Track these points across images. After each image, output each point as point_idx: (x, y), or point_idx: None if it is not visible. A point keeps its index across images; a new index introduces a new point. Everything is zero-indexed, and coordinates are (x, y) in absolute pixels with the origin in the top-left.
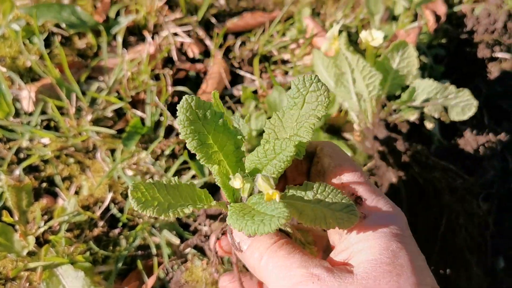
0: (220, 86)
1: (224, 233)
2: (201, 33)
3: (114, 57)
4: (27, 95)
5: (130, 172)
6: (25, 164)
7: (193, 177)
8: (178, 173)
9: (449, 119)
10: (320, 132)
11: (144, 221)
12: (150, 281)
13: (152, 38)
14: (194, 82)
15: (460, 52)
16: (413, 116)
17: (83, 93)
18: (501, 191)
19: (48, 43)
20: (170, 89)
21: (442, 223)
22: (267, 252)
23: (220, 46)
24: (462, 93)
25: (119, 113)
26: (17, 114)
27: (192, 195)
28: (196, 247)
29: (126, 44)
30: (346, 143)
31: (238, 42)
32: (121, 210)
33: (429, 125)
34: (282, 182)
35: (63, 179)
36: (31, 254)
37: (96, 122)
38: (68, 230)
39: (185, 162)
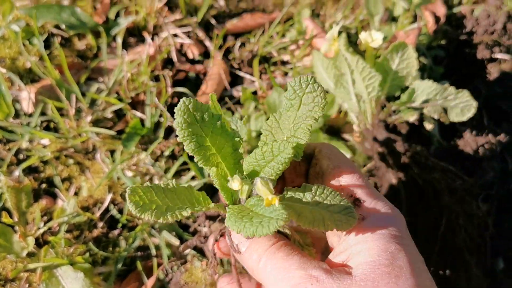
0: (219, 87)
1: (222, 235)
2: (201, 34)
3: (114, 58)
4: (26, 96)
5: (129, 173)
6: (24, 165)
7: (193, 178)
8: (178, 174)
9: (449, 120)
10: (320, 133)
11: (144, 222)
12: (149, 282)
13: (152, 39)
14: (194, 83)
15: (459, 53)
16: (412, 117)
17: (83, 94)
18: (501, 192)
19: (48, 44)
20: (170, 90)
21: (442, 224)
22: (265, 254)
23: (220, 47)
24: (462, 94)
25: (119, 114)
26: (16, 115)
27: (190, 198)
28: (195, 248)
29: (125, 45)
30: (345, 144)
31: (238, 43)
32: (120, 211)
33: (428, 126)
34: (280, 183)
35: (63, 180)
36: (30, 255)
37: (95, 123)
38: (67, 231)
39: (184, 163)
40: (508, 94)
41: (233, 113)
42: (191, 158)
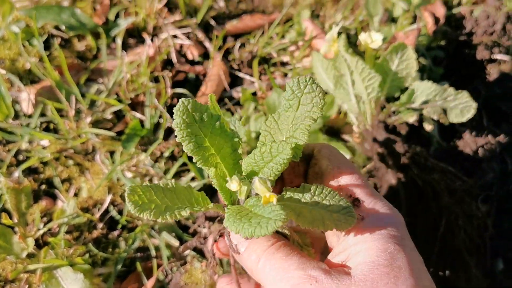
0: (219, 88)
1: (221, 235)
2: (201, 35)
3: (113, 59)
4: (26, 97)
5: (129, 174)
6: (24, 166)
7: (193, 179)
8: (178, 175)
9: (448, 121)
10: (320, 134)
11: (143, 223)
12: (149, 283)
13: (152, 40)
14: (194, 84)
15: (459, 54)
16: (412, 118)
17: (83, 95)
18: (500, 193)
19: (47, 45)
20: (170, 91)
21: (441, 224)
22: (264, 254)
23: (220, 48)
24: (461, 95)
25: (119, 115)
26: (16, 116)
27: (189, 198)
28: (195, 249)
29: (125, 46)
30: (345, 144)
31: (238, 44)
32: (120, 212)
33: (428, 127)
34: (279, 184)
35: (63, 181)
36: (30, 256)
37: (95, 124)
38: (67, 232)
39: (184, 164)
40: (508, 95)
41: (232, 114)
42: (190, 159)
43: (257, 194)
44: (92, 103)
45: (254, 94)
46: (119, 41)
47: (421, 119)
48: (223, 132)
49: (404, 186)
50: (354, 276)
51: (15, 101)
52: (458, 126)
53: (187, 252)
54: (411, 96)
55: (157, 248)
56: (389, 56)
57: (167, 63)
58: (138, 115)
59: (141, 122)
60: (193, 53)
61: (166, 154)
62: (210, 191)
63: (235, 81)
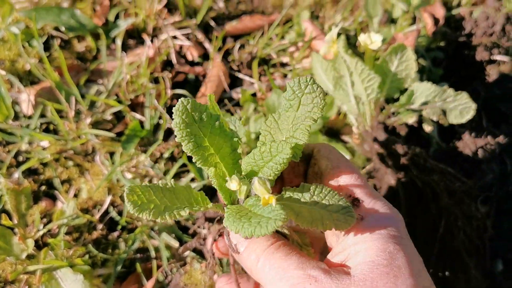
0: (219, 89)
1: (221, 235)
2: (200, 36)
3: (113, 60)
4: (26, 98)
5: (129, 175)
6: (24, 167)
7: (192, 180)
8: (177, 176)
9: (448, 122)
10: (319, 135)
11: (143, 224)
12: (149, 284)
13: (151, 41)
14: (193, 85)
15: (458, 55)
16: (411, 119)
17: (82, 96)
18: (500, 194)
19: (47, 46)
20: (169, 92)
21: (441, 225)
22: (264, 254)
23: (219, 49)
24: (461, 96)
25: (118, 116)
26: (16, 117)
27: (189, 198)
28: (195, 250)
29: (125, 47)
30: (344, 145)
31: (237, 45)
32: (120, 213)
33: (427, 128)
34: (279, 184)
35: (62, 182)
36: (30, 257)
37: (95, 125)
38: (67, 233)
39: (184, 165)
40: (507, 96)
41: (232, 115)
42: (190, 160)
43: (256, 194)
44: (92, 104)
45: (254, 95)
46: (119, 42)
47: (420, 120)
48: (222, 131)
49: (404, 187)
50: (354, 276)
51: (15, 102)
52: (457, 127)
53: (187, 253)
54: (410, 97)
55: (156, 249)
56: (389, 57)
57: (167, 64)
58: (138, 116)
59: (141, 123)
60: (192, 54)
61: (166, 155)
62: (209, 192)
63: (234, 82)
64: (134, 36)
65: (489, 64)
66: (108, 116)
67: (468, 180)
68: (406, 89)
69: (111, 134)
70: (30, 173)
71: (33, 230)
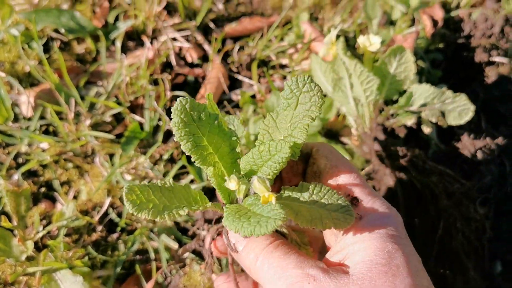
0: (218, 91)
1: (219, 234)
2: (200, 38)
3: (113, 62)
4: (26, 100)
5: (128, 177)
6: (24, 169)
7: (192, 181)
8: (177, 177)
9: (447, 123)
10: (318, 136)
11: (143, 226)
12: (148, 286)
13: (151, 43)
14: (193, 87)
15: (457, 57)
16: (410, 121)
17: (82, 98)
18: (499, 196)
19: (47, 48)
20: (169, 94)
21: (440, 227)
22: (262, 253)
23: (219, 51)
24: (459, 98)
25: (118, 118)
26: (16, 119)
27: (187, 197)
28: (194, 252)
29: (124, 49)
30: (344, 147)
31: (237, 47)
32: (119, 215)
33: (426, 129)
34: (278, 183)
35: (62, 184)
36: (29, 259)
37: (94, 127)
38: (66, 235)
39: (183, 167)
40: (506, 98)
41: None
42: (190, 161)
43: (255, 193)
44: (92, 106)
45: (253, 96)
46: (118, 44)
47: (419, 122)
48: (221, 131)
49: (403, 188)
50: (352, 275)
51: (15, 104)
52: (456, 129)
53: (186, 254)
54: (409, 99)
55: (156, 251)
56: (388, 59)
57: (167, 66)
58: (137, 117)
59: (141, 125)
60: (192, 56)
61: (165, 156)
62: (209, 194)
63: (234, 84)
64: (134, 38)
65: (488, 66)
66: (108, 118)
67: (467, 182)
68: (405, 91)
69: (111, 136)
70: (30, 175)
71: (32, 231)
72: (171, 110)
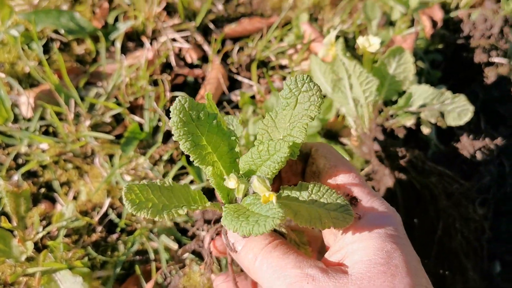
0: (218, 91)
1: (218, 233)
2: (199, 38)
3: (112, 62)
4: (25, 101)
5: (128, 178)
6: (23, 169)
7: (191, 182)
8: (176, 178)
9: (446, 124)
10: (318, 137)
11: (142, 226)
12: (148, 286)
13: (151, 43)
14: (192, 88)
15: (457, 57)
16: (409, 122)
17: (82, 99)
18: (498, 196)
19: (46, 49)
20: (168, 94)
21: (439, 227)
22: (261, 253)
23: (218, 52)
24: (458, 99)
25: (118, 119)
26: (15, 120)
27: (187, 196)
28: (194, 252)
29: (124, 50)
30: (343, 148)
31: (236, 48)
32: (119, 215)
33: (425, 130)
34: (277, 182)
35: (62, 185)
36: (29, 259)
37: (94, 127)
38: (66, 236)
39: (183, 167)
40: (505, 98)
41: None
42: (189, 162)
43: (254, 193)
44: (91, 107)
45: (253, 97)
46: (118, 44)
47: (418, 123)
48: (220, 130)
49: (402, 188)
50: (351, 275)
51: (15, 104)
52: (456, 129)
53: (186, 255)
54: (408, 100)
55: (156, 251)
56: (387, 60)
57: (166, 67)
58: (137, 118)
59: (140, 126)
60: (192, 57)
61: (165, 157)
62: (209, 194)
63: (233, 85)
64: (134, 39)
65: (487, 66)
66: (108, 118)
67: (466, 182)
68: (404, 92)
69: (110, 137)
70: (30, 175)
71: (32, 232)
72: (170, 110)
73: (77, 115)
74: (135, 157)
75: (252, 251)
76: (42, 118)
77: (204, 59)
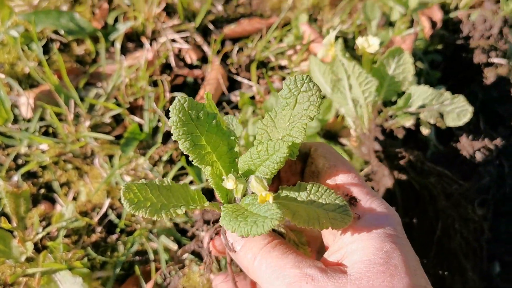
0: (217, 92)
1: (217, 233)
2: (199, 39)
3: (112, 63)
4: (25, 101)
5: (128, 178)
6: (23, 170)
7: (191, 183)
8: (176, 178)
9: (445, 124)
10: (317, 137)
11: (142, 227)
12: (147, 287)
13: (150, 44)
14: (192, 88)
15: (456, 58)
16: (409, 122)
17: (81, 100)
18: (497, 196)
19: (46, 49)
20: (168, 95)
21: (438, 228)
22: (260, 253)
23: (218, 52)
24: (457, 99)
25: (117, 119)
26: (15, 121)
27: (185, 196)
28: (193, 253)
29: (124, 51)
30: (342, 148)
31: (236, 48)
32: (119, 216)
33: (425, 130)
34: (276, 182)
35: (61, 185)
36: (29, 260)
37: (94, 128)
38: (66, 236)
39: (183, 168)
40: (505, 99)
41: None
42: (189, 162)
43: (253, 193)
44: (91, 107)
45: (252, 98)
46: (118, 45)
47: (418, 123)
48: (219, 130)
49: (401, 189)
50: (350, 275)
51: (14, 105)
52: (455, 130)
53: (185, 255)
54: (408, 100)
55: (155, 252)
56: (386, 61)
57: (166, 67)
58: (136, 119)
59: (140, 126)
60: (191, 57)
61: (165, 158)
62: (208, 195)
63: (233, 85)
64: (133, 39)
65: (487, 67)
66: (107, 119)
67: (465, 183)
68: (403, 92)
69: (110, 137)
70: (29, 176)
71: (32, 233)
72: (170, 110)
73: (76, 116)
74: (134, 158)
75: (251, 251)
76: (41, 118)
77: (204, 59)
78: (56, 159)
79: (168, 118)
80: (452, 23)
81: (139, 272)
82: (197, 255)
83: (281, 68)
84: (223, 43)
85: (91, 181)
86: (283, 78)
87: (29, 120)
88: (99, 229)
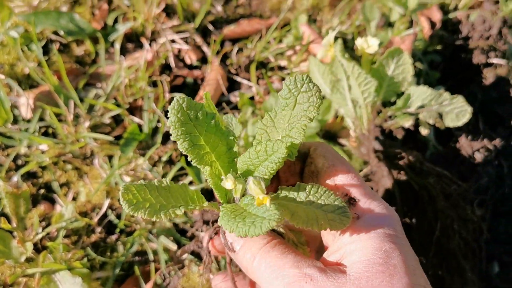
0: (217, 93)
1: (217, 233)
2: (199, 40)
3: (112, 64)
4: (25, 102)
5: (127, 178)
6: (23, 170)
7: (190, 183)
8: (176, 179)
9: (444, 125)
10: (317, 137)
11: (141, 227)
12: (147, 287)
13: (150, 45)
14: (192, 89)
15: (455, 58)
16: (408, 123)
17: (81, 100)
18: (496, 197)
19: (46, 50)
20: (168, 95)
21: (437, 228)
22: (259, 253)
23: (217, 53)
24: (457, 100)
25: (117, 120)
26: (15, 121)
27: (184, 196)
28: (193, 253)
29: (123, 51)
30: (342, 149)
31: (235, 49)
32: (118, 216)
33: (424, 131)
34: (275, 182)
35: (61, 186)
36: (29, 260)
37: (93, 128)
38: (65, 236)
39: (182, 168)
40: (504, 99)
41: None
42: (188, 163)
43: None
44: (91, 108)
45: (252, 98)
46: (117, 46)
47: (417, 124)
48: (218, 130)
49: (400, 189)
50: (350, 275)
51: (14, 105)
52: (454, 130)
53: (185, 256)
54: (407, 101)
55: (155, 252)
56: (385, 61)
57: (165, 68)
58: (136, 119)
59: (139, 127)
60: (191, 58)
61: (164, 158)
62: (208, 195)
63: (233, 86)
64: (133, 40)
65: (486, 67)
66: (107, 119)
67: (464, 183)
68: (402, 93)
69: (110, 138)
70: (29, 176)
71: (32, 233)
72: (169, 110)
73: (76, 116)
74: (134, 158)
75: (250, 251)
76: (41, 119)
77: (203, 60)
78: (55, 160)
79: (168, 118)
80: (451, 23)
81: (138, 272)
82: (197, 255)
83: (281, 68)
84: (222, 43)
85: (90, 181)
86: (283, 79)
87: (28, 121)
88: (98, 229)
